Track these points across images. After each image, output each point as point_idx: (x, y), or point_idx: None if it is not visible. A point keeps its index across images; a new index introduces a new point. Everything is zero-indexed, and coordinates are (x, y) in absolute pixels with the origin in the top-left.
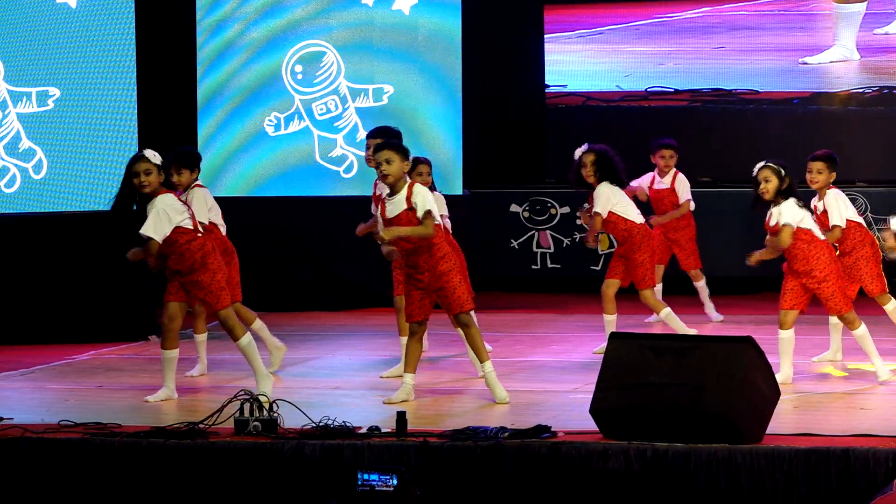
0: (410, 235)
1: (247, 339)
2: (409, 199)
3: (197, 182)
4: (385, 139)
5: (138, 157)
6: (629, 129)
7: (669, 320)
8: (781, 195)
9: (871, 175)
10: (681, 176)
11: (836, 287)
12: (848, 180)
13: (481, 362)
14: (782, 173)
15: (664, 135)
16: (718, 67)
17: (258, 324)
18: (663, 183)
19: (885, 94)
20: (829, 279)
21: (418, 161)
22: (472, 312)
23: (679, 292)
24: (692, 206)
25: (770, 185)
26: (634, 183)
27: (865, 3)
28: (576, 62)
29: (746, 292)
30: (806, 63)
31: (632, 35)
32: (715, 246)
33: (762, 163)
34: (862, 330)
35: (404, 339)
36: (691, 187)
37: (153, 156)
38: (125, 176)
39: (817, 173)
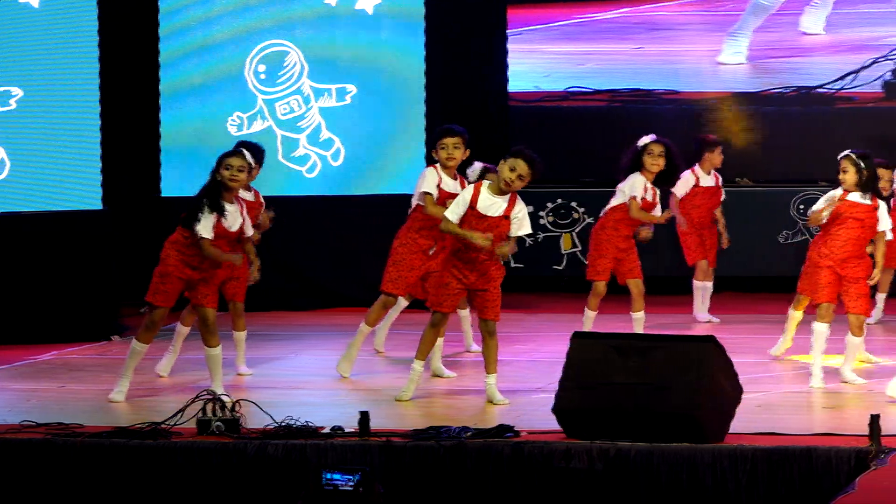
0: (510, 251)
1: (219, 349)
2: (510, 207)
3: None
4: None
5: (235, 153)
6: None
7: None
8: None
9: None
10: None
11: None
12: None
13: (488, 373)
14: (861, 165)
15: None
16: (638, 68)
17: (242, 335)
18: (709, 180)
19: (802, 94)
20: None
21: (487, 170)
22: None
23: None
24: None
25: (847, 177)
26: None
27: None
28: None
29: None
30: (723, 63)
31: (552, 35)
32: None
33: (845, 151)
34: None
35: (365, 328)
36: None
37: (249, 156)
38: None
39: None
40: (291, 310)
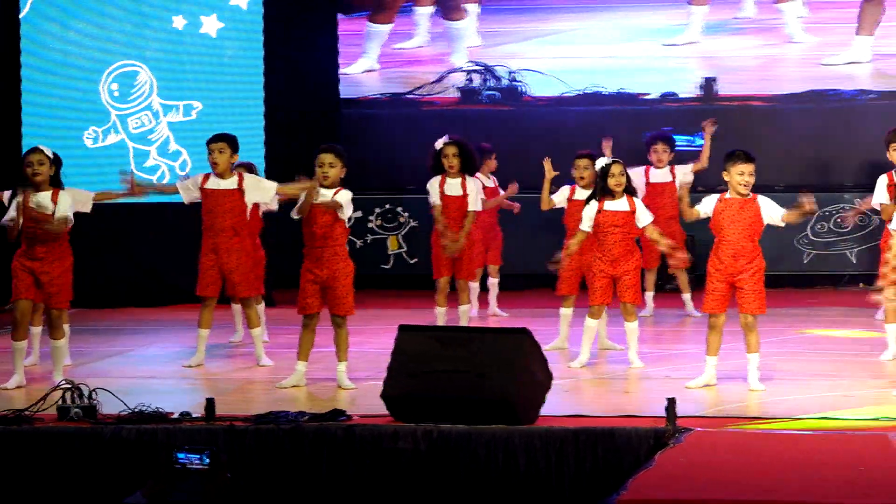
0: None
1: (65, 340)
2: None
3: None
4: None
5: (34, 150)
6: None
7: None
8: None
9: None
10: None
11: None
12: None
13: (339, 361)
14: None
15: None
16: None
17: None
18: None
19: (394, 99)
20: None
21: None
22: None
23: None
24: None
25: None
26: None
27: (392, 25)
28: None
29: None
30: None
31: None
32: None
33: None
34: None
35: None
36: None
37: (46, 149)
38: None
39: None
40: (142, 306)
